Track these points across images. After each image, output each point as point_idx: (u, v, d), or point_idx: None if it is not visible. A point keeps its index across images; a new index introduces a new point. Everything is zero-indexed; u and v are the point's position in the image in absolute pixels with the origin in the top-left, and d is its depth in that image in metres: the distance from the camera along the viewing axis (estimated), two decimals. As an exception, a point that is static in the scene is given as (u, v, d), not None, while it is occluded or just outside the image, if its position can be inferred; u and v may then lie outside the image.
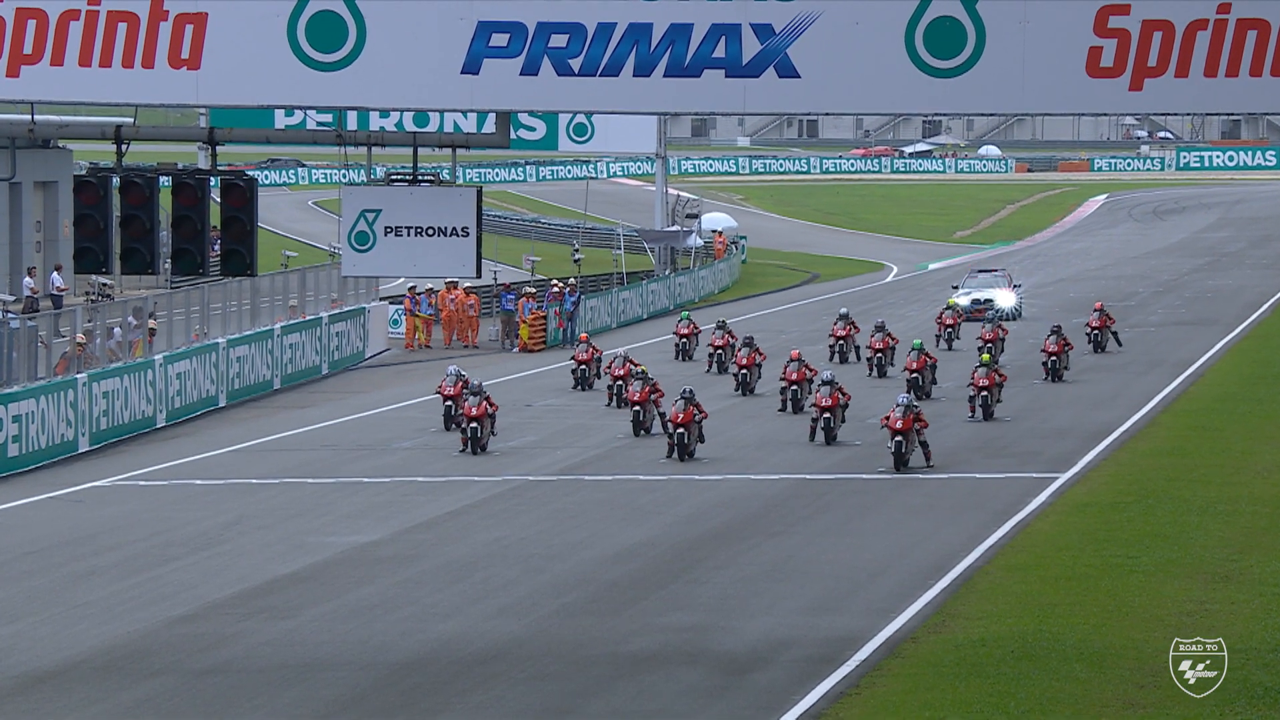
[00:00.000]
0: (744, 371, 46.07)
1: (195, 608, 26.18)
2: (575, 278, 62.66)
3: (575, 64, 20.49)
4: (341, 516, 32.75)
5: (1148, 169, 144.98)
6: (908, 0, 20.04)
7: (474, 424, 38.14)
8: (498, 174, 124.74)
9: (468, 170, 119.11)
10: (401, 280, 60.09)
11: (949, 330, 55.22)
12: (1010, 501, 33.04)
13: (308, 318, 51.93)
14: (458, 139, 23.12)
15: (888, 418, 35.48)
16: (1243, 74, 20.04)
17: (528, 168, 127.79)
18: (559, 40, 20.46)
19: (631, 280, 69.87)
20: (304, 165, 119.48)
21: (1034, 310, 64.14)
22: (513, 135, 23.86)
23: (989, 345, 49.98)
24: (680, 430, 36.80)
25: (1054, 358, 47.61)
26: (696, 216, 79.90)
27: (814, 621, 25.13)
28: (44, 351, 39.07)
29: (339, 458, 38.97)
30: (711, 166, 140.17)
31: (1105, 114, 20.86)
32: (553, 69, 20.51)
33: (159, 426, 42.52)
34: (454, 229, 22.28)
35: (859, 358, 51.29)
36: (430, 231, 22.28)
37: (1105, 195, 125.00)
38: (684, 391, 37.41)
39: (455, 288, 59.27)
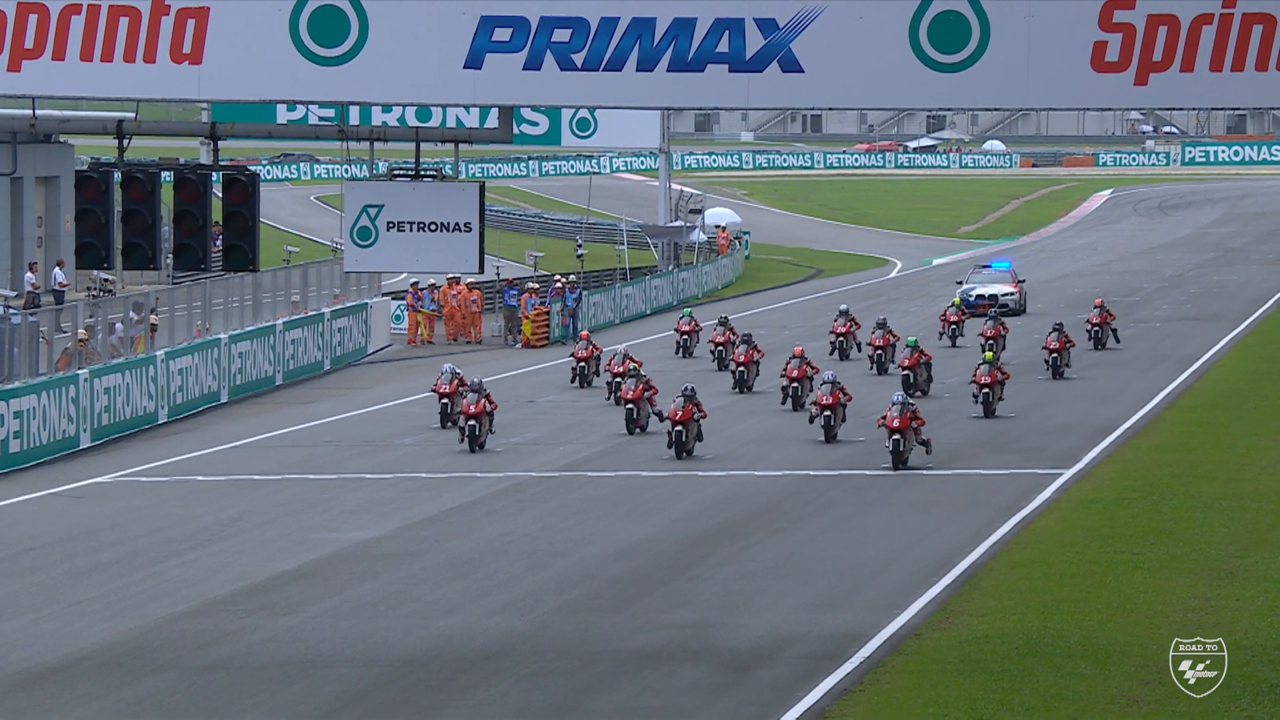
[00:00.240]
0: (741, 369, 45.85)
1: (197, 604, 26.13)
2: (573, 274, 62.48)
3: (578, 59, 20.42)
4: (343, 512, 32.69)
5: (1153, 164, 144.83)
6: (912, -6, 19.99)
7: (472, 421, 37.87)
8: (500, 169, 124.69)
9: (470, 165, 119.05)
10: (404, 276, 60.04)
11: (953, 327, 55.06)
12: (1014, 498, 32.96)
13: (310, 313, 51.87)
14: (460, 134, 23.03)
15: (884, 417, 35.31)
16: (1248, 69, 19.96)
17: (530, 163, 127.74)
18: (562, 35, 20.39)
19: (635, 276, 69.79)
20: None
21: (1038, 306, 64.02)
22: (515, 130, 23.75)
23: (991, 342, 49.85)
24: (679, 428, 36.62)
25: (1055, 355, 47.43)
26: (700, 212, 79.79)
27: (817, 618, 25.06)
28: (45, 347, 39.03)
29: (341, 454, 38.92)
30: (715, 161, 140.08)
31: (1110, 109, 20.75)
32: (555, 64, 20.45)
33: (161, 422, 42.47)
34: (456, 224, 22.20)
35: (860, 354, 51.15)
36: (433, 227, 22.22)
37: (1110, 190, 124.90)
38: (685, 389, 37.19)
39: (457, 283, 59.21)
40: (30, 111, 22.87)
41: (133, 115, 22.41)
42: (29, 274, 56.70)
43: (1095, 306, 54.71)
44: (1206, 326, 59.49)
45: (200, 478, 36.29)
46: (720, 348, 50.20)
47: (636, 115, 65.84)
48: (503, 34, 20.47)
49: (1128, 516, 31.18)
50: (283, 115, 51.63)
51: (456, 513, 32.60)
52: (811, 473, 35.67)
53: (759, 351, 46.48)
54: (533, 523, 31.59)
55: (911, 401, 35.77)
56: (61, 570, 28.41)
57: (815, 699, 21.40)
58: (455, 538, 30.47)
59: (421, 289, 59.21)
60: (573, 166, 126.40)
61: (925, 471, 35.63)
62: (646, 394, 39.86)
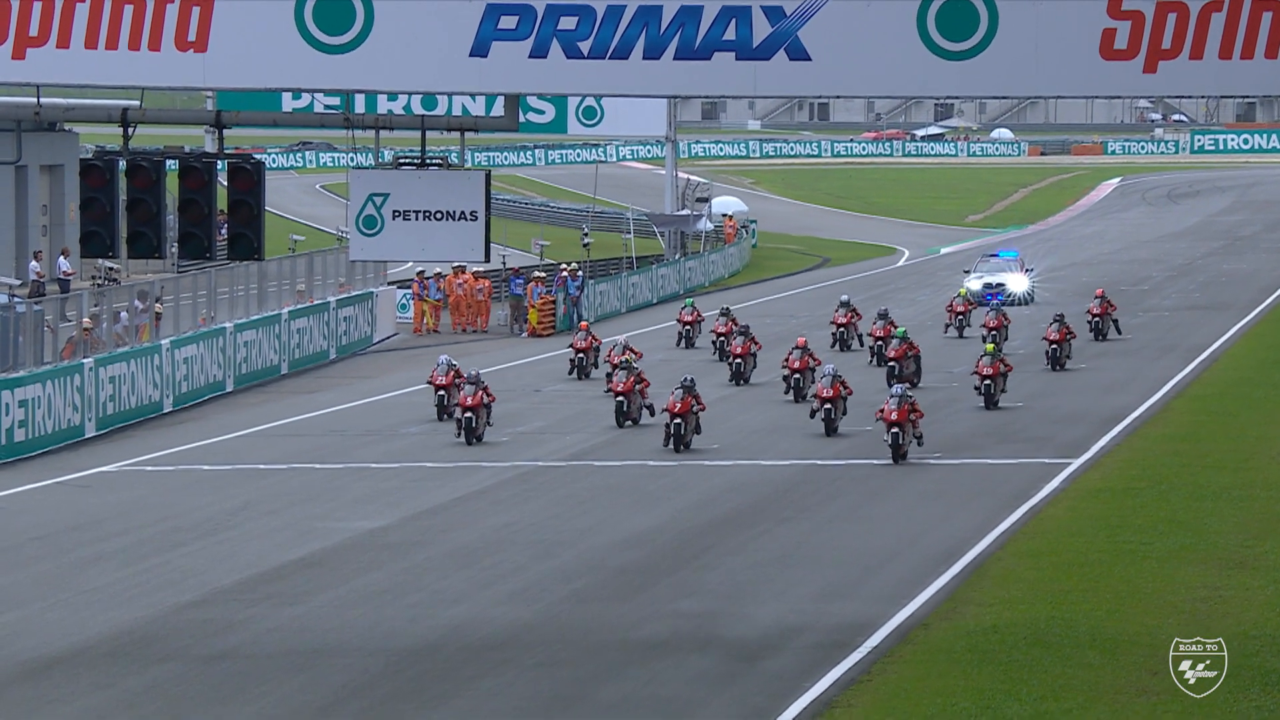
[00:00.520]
0: (739, 361, 45.32)
1: (203, 593, 26.08)
2: (575, 263, 62.33)
3: (584, 46, 20.35)
4: (349, 502, 32.64)
5: (1162, 152, 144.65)
6: (920, -19, 19.89)
7: (469, 414, 37.24)
8: (506, 157, 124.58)
9: (476, 154, 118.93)
10: (410, 265, 59.96)
11: (959, 318, 54.75)
12: (1022, 487, 32.88)
13: (315, 302, 51.80)
14: (466, 122, 22.96)
15: (882, 410, 34.96)
16: (1258, 56, 19.87)
17: (536, 151, 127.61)
18: (568, 22, 20.31)
19: (641, 265, 69.69)
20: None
21: (1046, 295, 63.90)
22: (521, 118, 23.67)
23: (993, 333, 49.56)
24: (677, 420, 36.15)
25: (1055, 346, 47.01)
26: (707, 200, 79.67)
27: (825, 608, 25.00)
28: (50, 336, 38.96)
29: (347, 443, 38.86)
30: (722, 150, 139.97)
31: (1119, 96, 20.71)
32: (562, 51, 20.38)
33: (166, 411, 42.42)
34: (462, 213, 22.13)
35: (862, 345, 50.84)
36: (438, 215, 22.14)
37: (1119, 179, 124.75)
38: (684, 380, 36.71)
39: (463, 272, 59.13)
40: (35, 99, 22.80)
41: (138, 103, 22.35)
42: (34, 262, 56.66)
43: (1096, 297, 54.19)
44: (1215, 315, 59.38)
45: (206, 467, 36.25)
46: (722, 338, 49.88)
47: (643, 103, 65.71)
48: (508, 22, 20.39)
49: (1136, 506, 31.10)
50: (288, 103, 51.60)
51: (462, 502, 32.54)
52: (818, 462, 35.58)
53: (756, 343, 45.96)
54: (539, 512, 31.53)
55: (910, 394, 35.40)
56: (67, 559, 28.37)
57: (823, 689, 21.34)
58: (461, 527, 30.41)
59: (427, 278, 59.13)
60: (579, 155, 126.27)
61: (933, 461, 35.55)
62: (638, 386, 39.19)
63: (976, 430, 39.13)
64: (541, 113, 64.25)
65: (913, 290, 68.93)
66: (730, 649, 23.07)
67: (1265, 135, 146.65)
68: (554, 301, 58.74)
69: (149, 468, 36.33)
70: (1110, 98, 20.78)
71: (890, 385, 42.12)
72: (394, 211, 22.18)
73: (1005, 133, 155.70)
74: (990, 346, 42.81)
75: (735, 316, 50.01)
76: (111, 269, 54.34)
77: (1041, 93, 20.45)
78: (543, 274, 59.49)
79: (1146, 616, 24.14)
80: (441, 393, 40.31)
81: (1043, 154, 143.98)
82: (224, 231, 22.92)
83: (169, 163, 22.39)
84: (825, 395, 37.63)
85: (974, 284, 62.49)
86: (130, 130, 22.32)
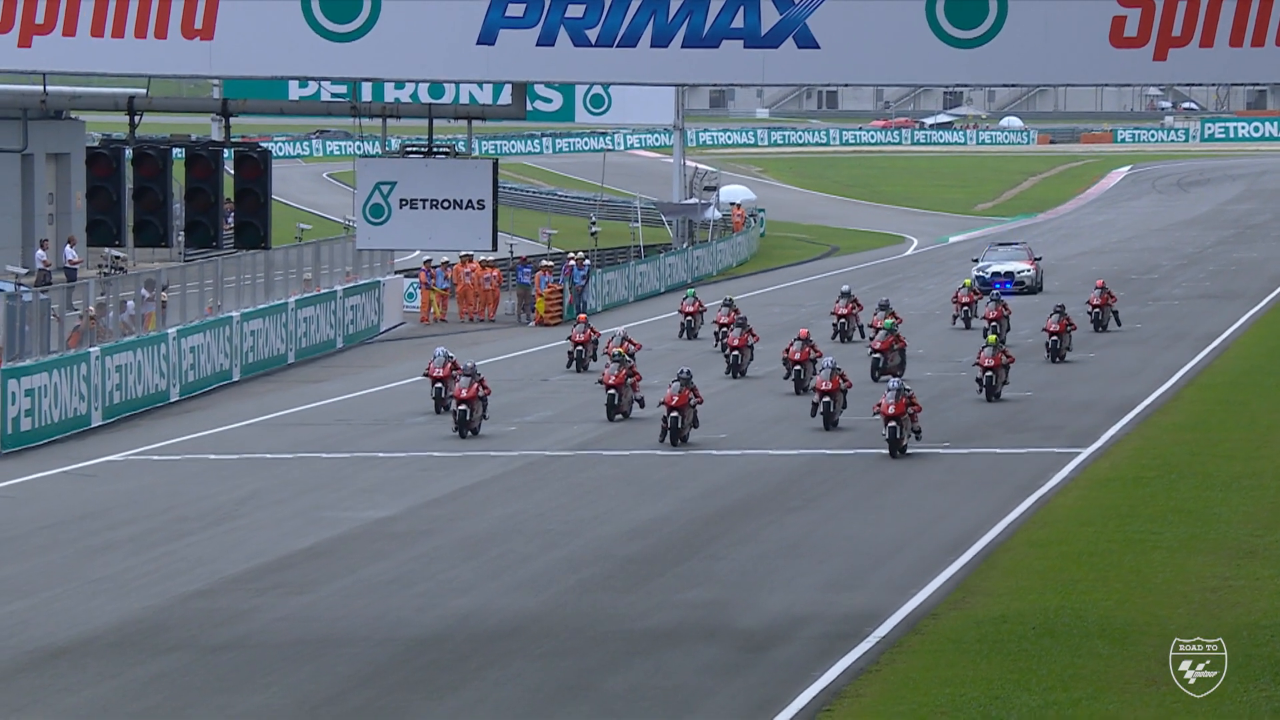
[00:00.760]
0: (735, 353, 44.60)
1: (210, 583, 26.04)
2: (582, 251, 62.20)
3: (592, 34, 20.27)
4: (356, 491, 32.59)
5: (1172, 140, 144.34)
6: (929, -32, 19.80)
7: (463, 406, 36.65)
8: (514, 146, 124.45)
9: (483, 142, 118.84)
10: (417, 253, 59.89)
11: (965, 308, 54.41)
12: (1032, 476, 32.79)
13: (322, 291, 51.75)
14: (473, 110, 22.89)
15: (880, 404, 34.42)
16: (1269, 43, 19.77)
17: (544, 139, 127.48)
18: (575, 10, 20.24)
19: (649, 253, 69.61)
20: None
21: (1055, 284, 63.76)
22: (529, 107, 23.61)
23: (992, 324, 49.17)
24: (674, 414, 35.46)
25: (1055, 338, 46.36)
26: (715, 189, 79.51)
27: (833, 598, 24.93)
28: (57, 325, 38.91)
29: (354, 432, 38.81)
30: (730, 138, 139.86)
31: (1129, 85, 20.59)
32: (569, 39, 20.30)
33: (172, 401, 42.37)
34: (469, 201, 22.06)
35: (863, 336, 50.41)
36: (446, 204, 22.07)
37: (1129, 167, 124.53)
38: (681, 373, 36.04)
39: (470, 261, 59.05)
40: (41, 87, 22.76)
41: (144, 91, 22.29)
42: (40, 251, 56.62)
43: (1097, 287, 53.38)
44: (1226, 304, 59.24)
45: (212, 456, 36.20)
46: (724, 329, 49.47)
47: (651, 92, 65.57)
48: (516, 9, 20.32)
49: (1146, 495, 31.01)
50: (294, 92, 51.52)
51: (469, 491, 32.48)
52: (826, 452, 35.49)
53: (754, 335, 45.28)
54: (546, 502, 31.47)
55: (908, 388, 34.83)
56: (74, 549, 28.33)
57: (831, 679, 21.28)
58: (469, 517, 30.36)
59: (435, 267, 59.05)
60: (587, 143, 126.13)
61: (941, 451, 35.46)
62: (629, 380, 38.53)
63: (985, 420, 39.03)
64: (549, 101, 64.14)
65: (921, 279, 68.82)
66: (738, 639, 23.01)
67: (1276, 123, 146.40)
68: (561, 290, 58.67)
69: (156, 457, 36.29)
70: (1120, 86, 20.68)
71: (874, 377, 41.89)
72: (401, 200, 22.12)
73: (1014, 121, 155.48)
74: (992, 338, 42.30)
75: (737, 307, 49.45)
76: (118, 258, 54.30)
77: (1051, 81, 20.35)
78: (550, 263, 59.38)
79: (1156, 606, 24.06)
80: (439, 385, 39.76)
81: (1052, 142, 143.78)
82: (230, 220, 22.85)
83: (175, 151, 22.34)
84: (824, 389, 37.06)
85: (982, 273, 62.31)
86: (136, 118, 22.26)
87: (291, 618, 24.24)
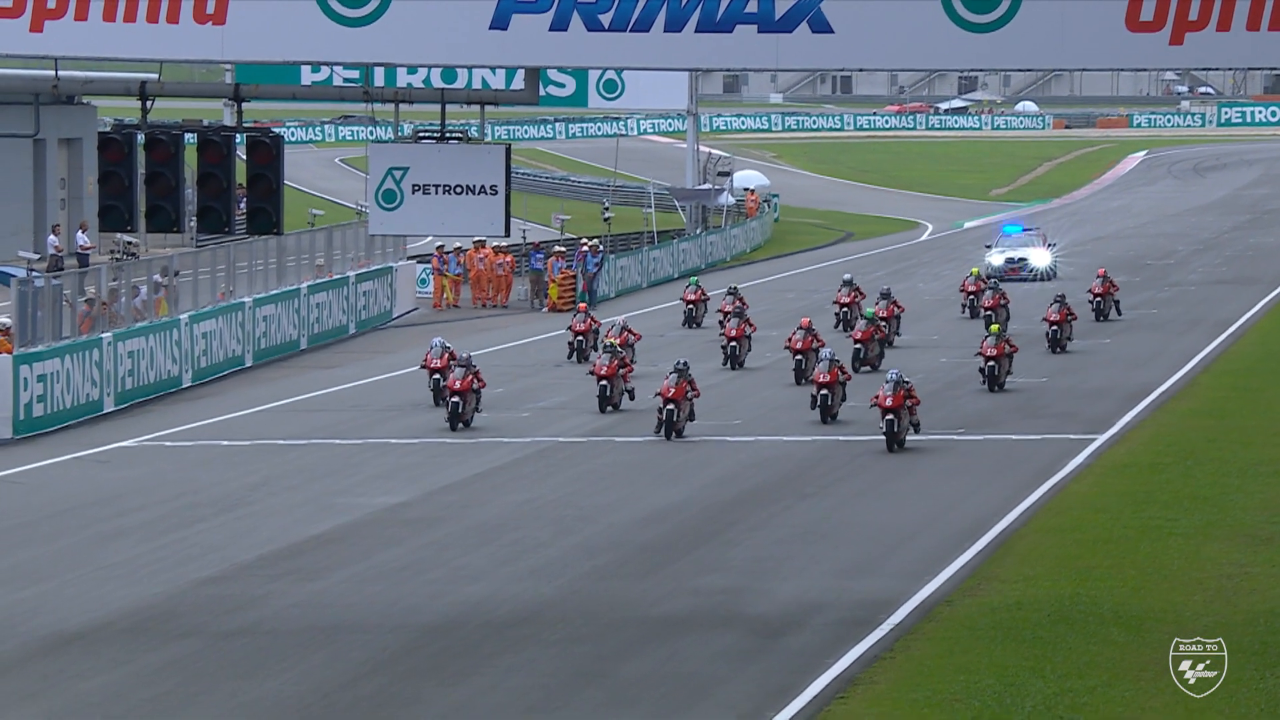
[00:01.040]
0: (733, 344, 43.77)
1: (223, 569, 26.00)
2: (596, 238, 62.04)
3: (605, 19, 20.17)
4: (369, 478, 32.55)
5: (1188, 125, 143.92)
6: (945, -48, 19.68)
7: (456, 398, 36.04)
8: (527, 131, 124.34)
9: (496, 127, 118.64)
10: (429, 239, 59.83)
11: (972, 298, 53.88)
12: (1047, 463, 32.69)
13: (335, 277, 51.70)
14: (486, 95, 22.79)
15: (878, 396, 33.65)
16: (1286, 27, 19.63)
17: (557, 125, 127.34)
18: (589, -6, 20.12)
19: (662, 239, 69.49)
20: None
21: (1070, 270, 63.57)
22: (542, 92, 23.50)
23: (989, 313, 48.67)
24: (670, 406, 34.71)
25: (1055, 328, 45.45)
26: (728, 174, 79.35)
27: (848, 584, 24.86)
28: (68, 310, 38.87)
29: (366, 418, 38.76)
30: (744, 123, 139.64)
31: (1145, 69, 20.46)
32: (582, 24, 20.20)
33: (185, 386, 42.34)
34: (482, 187, 21.97)
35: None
36: (458, 189, 21.99)
37: (1145, 152, 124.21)
38: (678, 364, 35.22)
39: (483, 247, 58.96)
40: (53, 73, 22.67)
41: (156, 76, 22.21)
42: (52, 237, 56.61)
43: (1098, 276, 52.46)
44: (1242, 289, 59.05)
45: (225, 442, 36.16)
46: (728, 317, 48.82)
47: (664, 77, 65.39)
48: (529, -7, 20.21)
49: (1162, 482, 30.91)
50: (307, 77, 51.43)
51: (483, 478, 32.43)
52: (841, 438, 35.39)
53: (751, 325, 44.39)
54: (560, 488, 31.41)
55: (907, 380, 33.81)
56: (86, 535, 28.30)
57: (845, 665, 21.21)
58: (482, 503, 30.30)
59: (447, 253, 58.97)
60: (599, 128, 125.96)
61: (956, 437, 35.36)
62: (621, 371, 37.84)
63: (1000, 406, 38.91)
64: (562, 86, 64.01)
65: (936, 265, 68.66)
66: (752, 626, 22.94)
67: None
68: (574, 276, 58.56)
69: (168, 443, 36.26)
70: (1136, 70, 20.54)
71: (854, 368, 41.45)
72: (413, 185, 22.03)
73: (1030, 106, 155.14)
74: (995, 327, 41.84)
75: (742, 295, 48.37)
76: (130, 243, 54.27)
77: (1067, 65, 20.23)
78: (563, 248, 59.28)
79: (1172, 593, 23.96)
80: (436, 375, 39.27)
81: (1068, 127, 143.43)
82: (243, 206, 22.78)
83: (188, 136, 22.27)
84: (822, 381, 36.26)
85: (995, 259, 62.08)
86: (149, 104, 22.19)
87: (304, 604, 24.20)
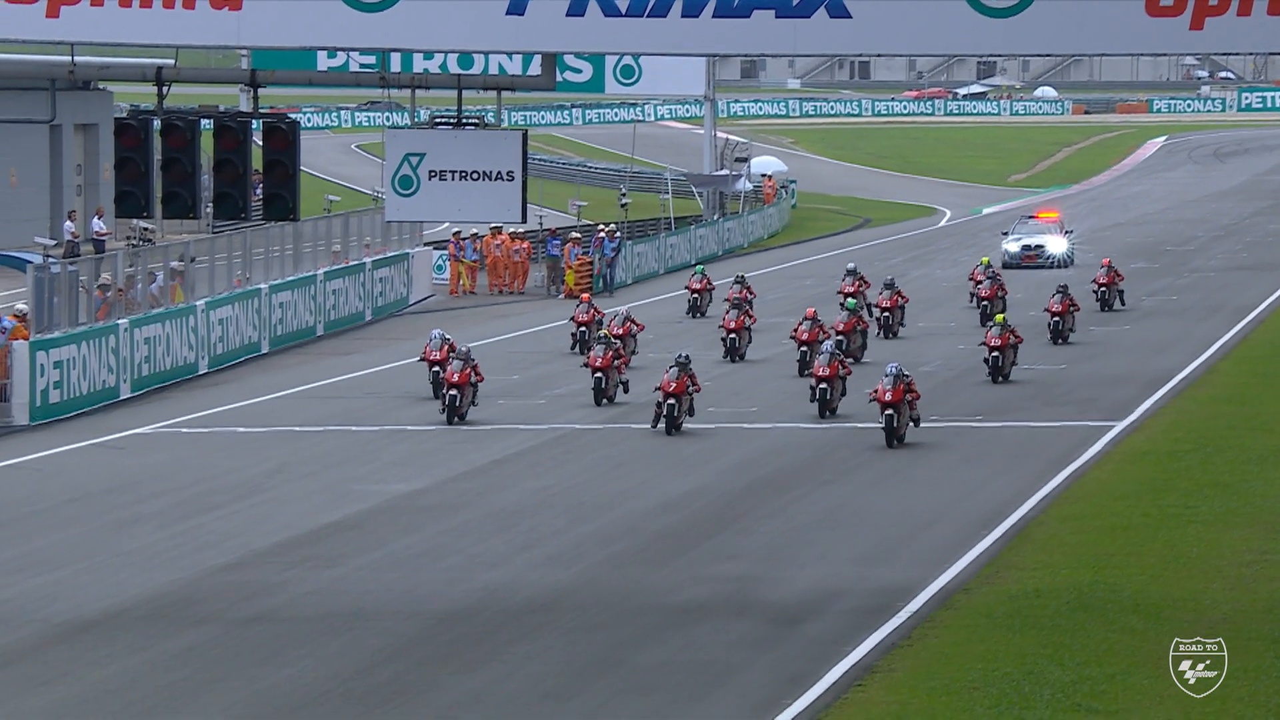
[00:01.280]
0: (733, 336, 43.02)
1: (239, 556, 25.98)
2: (613, 224, 61.90)
3: (622, 4, 20.09)
4: (386, 464, 32.51)
5: (1208, 110, 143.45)
6: (964, -64, 19.57)
7: (453, 391, 35.55)
8: (543, 117, 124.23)
9: (513, 113, 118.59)
10: (446, 225, 59.75)
11: (978, 286, 53.24)
12: (1066, 450, 32.58)
13: (351, 263, 51.67)
14: (503, 81, 22.71)
15: (876, 390, 32.88)
16: (1308, 12, 19.50)
17: (574, 110, 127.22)
18: (605, -21, 20.03)
19: (679, 225, 69.38)
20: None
21: (1088, 257, 63.35)
22: (558, 77, 23.42)
23: (985, 303, 48.02)
24: (671, 400, 34.12)
25: (1058, 318, 44.45)
26: (746, 160, 79.22)
27: (865, 572, 24.79)
28: (85, 297, 38.85)
29: (383, 405, 38.72)
30: (761, 109, 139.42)
31: (1165, 54, 20.38)
32: (599, 9, 20.12)
33: (201, 373, 42.32)
34: (499, 173, 21.91)
35: (870, 315, 48.68)
36: (475, 175, 21.93)
37: (1164, 137, 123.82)
38: (678, 357, 34.58)
39: (500, 233, 58.89)
40: (69, 58, 22.63)
41: (172, 62, 22.16)
42: (68, 223, 56.61)
43: (1103, 266, 51.54)
44: (1262, 276, 58.83)
45: (241, 429, 36.14)
46: (729, 308, 48.05)
47: (681, 62, 65.24)
48: (546, -21, 20.12)
49: (1181, 469, 30.79)
50: (323, 62, 51.35)
51: (500, 465, 32.38)
52: (858, 425, 35.28)
53: (751, 317, 43.58)
54: (576, 475, 31.36)
55: (907, 374, 33.01)
56: (103, 522, 28.29)
57: (863, 653, 21.15)
58: (498, 490, 30.25)
59: (464, 239, 58.90)
60: (616, 114, 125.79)
61: (974, 424, 35.26)
62: (616, 362, 37.31)
63: (1018, 393, 38.79)
64: (579, 71, 63.91)
65: (955, 251, 68.49)
66: (769, 613, 22.87)
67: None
68: (591, 262, 58.48)
69: (184, 429, 36.24)
70: (1156, 55, 20.45)
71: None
72: (430, 172, 21.97)
73: (1049, 91, 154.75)
74: (1000, 317, 41.13)
75: (749, 284, 47.71)
76: (146, 229, 54.26)
77: (1086, 51, 20.12)
78: (579, 235, 59.19)
79: (1191, 581, 23.86)
80: (436, 368, 38.97)
81: (1087, 112, 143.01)
82: (259, 192, 22.73)
83: (204, 122, 22.22)
84: (822, 374, 35.45)
85: (1012, 246, 61.86)
86: (165, 89, 22.14)
87: (320, 591, 24.17)
